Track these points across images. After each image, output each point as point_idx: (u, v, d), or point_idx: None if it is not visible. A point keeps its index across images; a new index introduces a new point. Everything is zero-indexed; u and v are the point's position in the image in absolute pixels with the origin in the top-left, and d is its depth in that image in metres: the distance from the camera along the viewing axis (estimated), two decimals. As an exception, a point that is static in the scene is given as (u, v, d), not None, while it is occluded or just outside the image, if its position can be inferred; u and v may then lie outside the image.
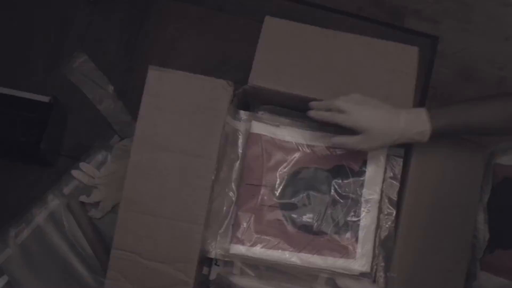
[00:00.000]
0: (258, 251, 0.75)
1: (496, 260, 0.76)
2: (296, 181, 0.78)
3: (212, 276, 0.79)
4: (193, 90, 0.75)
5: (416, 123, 0.72)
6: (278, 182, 0.78)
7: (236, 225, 0.76)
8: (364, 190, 0.78)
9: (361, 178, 0.79)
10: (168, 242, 0.72)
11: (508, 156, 0.81)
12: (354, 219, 0.77)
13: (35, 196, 1.00)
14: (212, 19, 1.14)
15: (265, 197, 0.77)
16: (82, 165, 1.01)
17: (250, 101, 0.85)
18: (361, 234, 0.77)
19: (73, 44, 1.12)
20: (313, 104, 0.75)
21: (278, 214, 0.77)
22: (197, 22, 1.14)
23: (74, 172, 1.01)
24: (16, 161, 1.07)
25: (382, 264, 0.77)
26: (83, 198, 0.99)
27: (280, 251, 0.76)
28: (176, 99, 0.75)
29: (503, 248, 0.75)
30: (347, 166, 0.79)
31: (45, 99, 1.04)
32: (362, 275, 0.76)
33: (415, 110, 0.73)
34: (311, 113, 0.74)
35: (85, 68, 1.09)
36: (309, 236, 0.77)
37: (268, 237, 0.76)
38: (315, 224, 0.77)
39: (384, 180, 0.79)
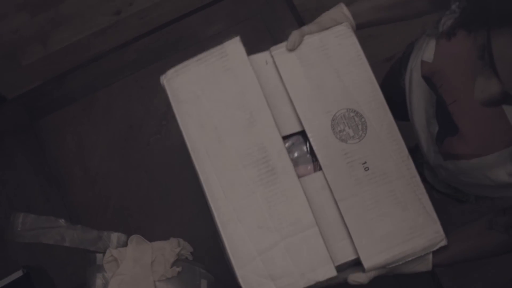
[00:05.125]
0: None
1: (449, 147, 0.81)
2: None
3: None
4: (210, 64, 0.76)
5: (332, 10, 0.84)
6: None
7: None
8: None
9: None
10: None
11: (428, 52, 0.82)
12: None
13: None
14: (91, 103, 1.14)
15: None
16: (91, 299, 1.02)
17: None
18: None
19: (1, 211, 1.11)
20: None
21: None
22: (83, 114, 1.13)
23: (90, 310, 1.01)
24: None
25: None
26: (113, 324, 1.00)
27: None
28: (204, 85, 0.76)
29: (451, 136, 0.79)
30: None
31: (18, 274, 1.02)
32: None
33: None
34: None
35: (29, 223, 1.08)
36: None
37: None
38: None
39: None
